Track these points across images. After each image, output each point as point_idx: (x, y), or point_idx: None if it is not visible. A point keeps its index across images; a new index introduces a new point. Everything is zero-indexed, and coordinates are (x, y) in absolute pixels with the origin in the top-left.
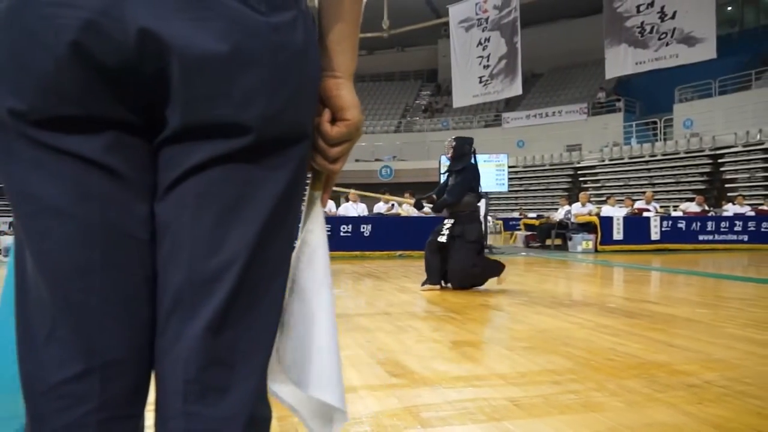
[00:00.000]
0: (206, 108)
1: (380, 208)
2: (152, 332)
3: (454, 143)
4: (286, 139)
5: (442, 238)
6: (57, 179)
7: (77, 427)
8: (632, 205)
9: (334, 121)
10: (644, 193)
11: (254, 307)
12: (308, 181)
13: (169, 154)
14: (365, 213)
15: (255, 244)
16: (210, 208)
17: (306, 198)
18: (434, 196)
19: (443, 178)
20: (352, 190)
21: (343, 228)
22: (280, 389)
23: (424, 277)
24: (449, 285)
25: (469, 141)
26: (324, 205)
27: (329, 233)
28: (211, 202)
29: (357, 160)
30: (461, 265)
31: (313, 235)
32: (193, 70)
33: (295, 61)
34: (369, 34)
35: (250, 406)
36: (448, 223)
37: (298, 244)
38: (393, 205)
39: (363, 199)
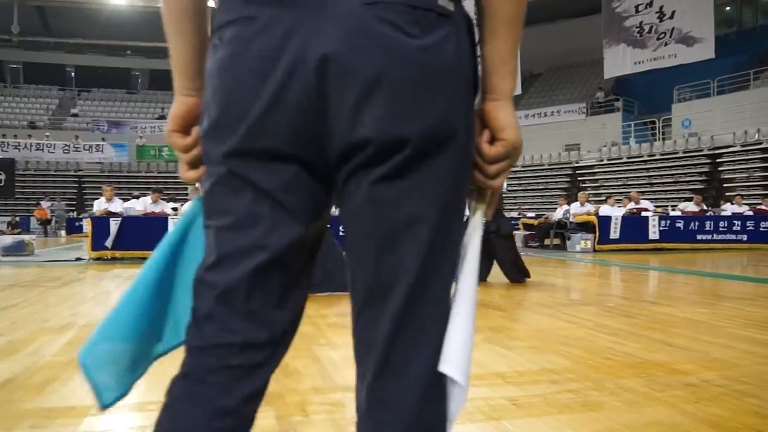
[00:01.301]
0: (372, 127)
1: None
2: (291, 326)
3: None
4: (437, 148)
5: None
6: (240, 202)
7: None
8: (627, 204)
9: (493, 141)
10: (642, 192)
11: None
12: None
13: (346, 170)
14: None
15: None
16: (382, 214)
17: (470, 209)
18: None
19: None
20: None
21: None
22: None
23: None
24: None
25: None
26: (487, 217)
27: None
28: (382, 209)
29: None
30: (510, 257)
31: (470, 240)
32: (368, 107)
33: (445, 77)
34: None
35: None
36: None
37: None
38: None
39: None
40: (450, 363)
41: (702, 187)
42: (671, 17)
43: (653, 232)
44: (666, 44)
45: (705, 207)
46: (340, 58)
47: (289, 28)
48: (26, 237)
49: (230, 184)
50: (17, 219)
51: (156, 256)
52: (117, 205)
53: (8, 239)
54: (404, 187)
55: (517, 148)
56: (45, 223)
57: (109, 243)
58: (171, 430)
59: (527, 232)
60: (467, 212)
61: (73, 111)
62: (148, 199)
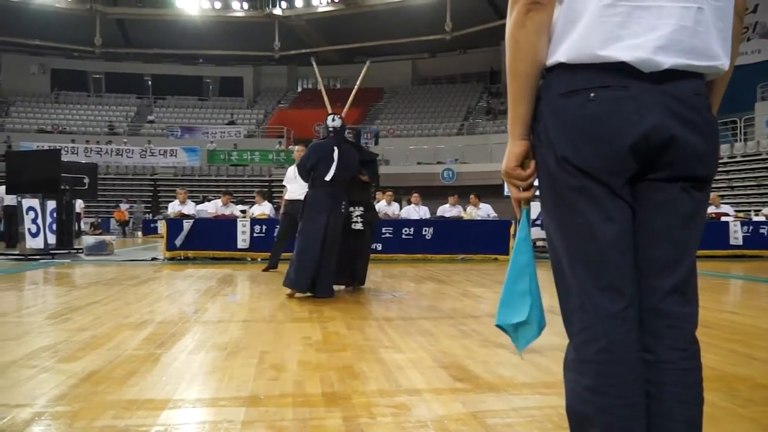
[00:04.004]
0: (688, 169)
1: (443, 211)
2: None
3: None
4: (709, 182)
5: (358, 226)
6: (598, 207)
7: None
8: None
9: None
10: (721, 196)
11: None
12: None
13: (657, 185)
14: (427, 216)
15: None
16: (678, 213)
17: None
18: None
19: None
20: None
21: (405, 231)
22: None
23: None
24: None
25: None
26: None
27: (391, 236)
28: (678, 210)
29: (419, 163)
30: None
31: None
32: (687, 154)
33: (718, 141)
34: (431, 37)
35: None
36: (358, 210)
37: None
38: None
39: (425, 201)
40: None
41: None
42: (754, 11)
43: (734, 239)
44: (748, 39)
45: None
46: (682, 133)
47: (653, 101)
48: (107, 237)
49: (589, 193)
50: (99, 220)
51: (527, 253)
52: (190, 208)
53: (91, 239)
54: (694, 199)
55: None
56: (123, 224)
57: (179, 242)
58: (619, 360)
59: None
60: None
61: (150, 118)
62: (218, 202)
